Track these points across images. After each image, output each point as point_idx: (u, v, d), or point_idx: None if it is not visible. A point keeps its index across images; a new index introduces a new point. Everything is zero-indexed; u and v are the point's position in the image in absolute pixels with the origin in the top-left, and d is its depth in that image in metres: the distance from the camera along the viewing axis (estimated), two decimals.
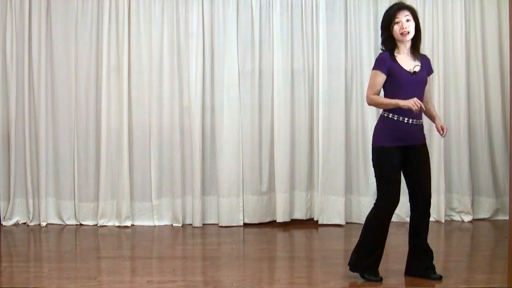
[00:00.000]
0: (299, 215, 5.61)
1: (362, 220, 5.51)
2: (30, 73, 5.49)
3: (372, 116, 5.49)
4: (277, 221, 5.52)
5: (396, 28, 3.64)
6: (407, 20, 3.64)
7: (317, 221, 5.55)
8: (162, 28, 5.51)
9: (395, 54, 3.71)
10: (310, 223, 5.59)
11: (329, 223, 5.50)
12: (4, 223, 5.54)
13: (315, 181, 5.57)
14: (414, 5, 5.48)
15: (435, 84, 5.56)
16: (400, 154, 3.70)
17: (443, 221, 5.53)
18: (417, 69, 3.69)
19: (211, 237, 5.22)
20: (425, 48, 5.56)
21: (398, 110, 3.65)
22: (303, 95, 5.56)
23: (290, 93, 5.54)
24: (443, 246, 4.97)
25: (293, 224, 5.57)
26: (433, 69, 3.86)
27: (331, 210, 5.51)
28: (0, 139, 5.53)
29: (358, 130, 5.56)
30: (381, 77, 3.71)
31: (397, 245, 4.90)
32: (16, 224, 5.55)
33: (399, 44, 3.71)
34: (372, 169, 5.51)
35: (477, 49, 5.60)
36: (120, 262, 4.37)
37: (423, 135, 3.78)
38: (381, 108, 3.76)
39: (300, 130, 5.57)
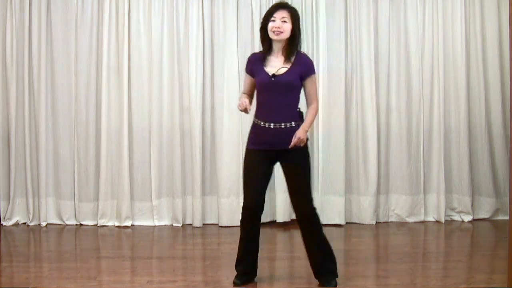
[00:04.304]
0: None
1: (362, 220, 5.56)
2: (30, 73, 5.49)
3: (372, 116, 5.50)
4: (277, 221, 5.52)
5: (270, 26, 3.59)
6: (284, 21, 3.58)
7: None
8: (162, 28, 5.50)
9: (269, 55, 3.66)
10: None
11: (329, 223, 5.49)
12: (4, 223, 5.54)
13: (315, 181, 5.55)
14: (414, 5, 5.56)
15: (435, 84, 5.56)
16: (266, 158, 3.63)
17: (443, 221, 5.53)
18: (282, 71, 3.59)
19: (211, 237, 5.22)
20: (425, 48, 5.58)
21: (258, 114, 3.66)
22: (303, 95, 5.54)
23: None
24: (443, 246, 4.98)
25: (293, 224, 5.55)
26: (313, 71, 3.66)
27: (331, 210, 5.51)
28: (0, 139, 5.53)
29: (358, 130, 5.56)
30: (247, 78, 3.76)
31: (397, 245, 4.91)
32: (16, 224, 5.55)
33: (273, 44, 3.65)
34: (372, 169, 5.58)
35: (477, 49, 5.60)
36: (120, 262, 4.37)
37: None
38: None
39: None
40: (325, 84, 5.46)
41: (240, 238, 3.77)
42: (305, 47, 5.54)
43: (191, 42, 5.47)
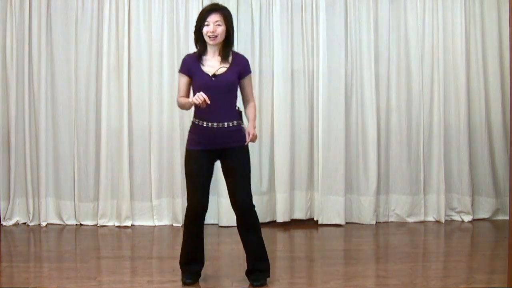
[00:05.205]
0: (299, 215, 5.61)
1: (362, 220, 5.56)
2: (30, 73, 5.49)
3: (372, 116, 5.50)
4: (277, 221, 5.52)
5: (204, 30, 3.64)
6: (218, 25, 3.62)
7: (317, 221, 5.55)
8: (162, 28, 5.50)
9: (204, 55, 3.71)
10: (310, 223, 5.59)
11: (329, 223, 5.50)
12: (4, 223, 5.54)
13: (315, 181, 5.57)
14: (414, 5, 5.56)
15: (435, 84, 5.57)
16: (208, 158, 3.71)
17: (443, 221, 5.53)
18: (221, 71, 3.64)
19: (211, 237, 5.20)
20: (425, 48, 5.58)
21: (197, 115, 3.69)
22: (303, 95, 5.56)
23: (290, 93, 5.53)
24: (443, 246, 4.98)
25: (293, 224, 5.57)
26: (250, 70, 3.76)
27: (331, 210, 5.51)
28: (0, 139, 5.53)
29: (358, 130, 5.56)
30: (183, 79, 3.75)
31: (397, 245, 4.91)
32: (16, 224, 5.55)
33: (208, 45, 3.70)
34: (372, 169, 5.59)
35: (477, 49, 5.60)
36: (120, 262, 4.37)
37: (236, 137, 3.66)
38: (184, 109, 3.82)
39: (300, 130, 5.56)
40: (325, 84, 5.46)
41: (185, 238, 3.79)
42: (305, 47, 5.55)
43: (191, 42, 5.42)
